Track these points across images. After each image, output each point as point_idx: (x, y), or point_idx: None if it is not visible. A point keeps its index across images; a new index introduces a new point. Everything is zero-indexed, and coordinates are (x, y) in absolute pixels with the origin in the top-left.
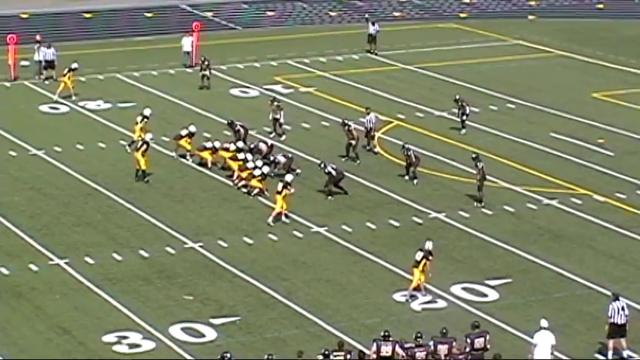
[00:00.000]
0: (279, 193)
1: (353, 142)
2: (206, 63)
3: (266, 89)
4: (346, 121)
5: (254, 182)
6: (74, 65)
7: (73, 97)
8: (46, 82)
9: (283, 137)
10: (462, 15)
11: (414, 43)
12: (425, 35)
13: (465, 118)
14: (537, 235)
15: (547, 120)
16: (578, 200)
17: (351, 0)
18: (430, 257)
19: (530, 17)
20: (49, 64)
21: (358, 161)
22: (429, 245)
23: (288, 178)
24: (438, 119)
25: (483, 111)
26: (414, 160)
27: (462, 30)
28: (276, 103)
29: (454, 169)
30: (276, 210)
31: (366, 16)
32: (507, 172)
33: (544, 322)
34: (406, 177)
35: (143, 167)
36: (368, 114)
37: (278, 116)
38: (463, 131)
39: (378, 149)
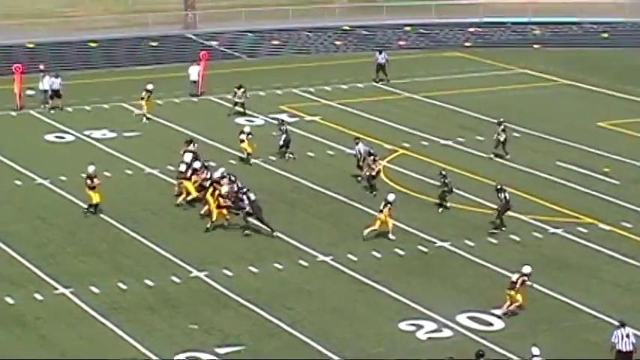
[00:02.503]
0: (382, 211)
1: (373, 173)
2: (242, 90)
3: (272, 118)
4: (372, 151)
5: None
6: (149, 86)
7: (144, 120)
8: (52, 112)
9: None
10: (466, 44)
11: (418, 72)
12: (430, 64)
13: (500, 145)
14: (543, 264)
15: (552, 149)
16: (584, 229)
17: (356, 29)
18: (526, 279)
19: (536, 46)
20: (56, 94)
21: (374, 193)
22: (526, 270)
23: (391, 197)
24: (444, 148)
25: (489, 140)
26: (447, 188)
27: (467, 59)
28: (282, 127)
29: (460, 197)
30: (388, 226)
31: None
32: (513, 200)
33: (535, 350)
34: (440, 209)
35: (95, 201)
36: (357, 144)
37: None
38: (491, 155)
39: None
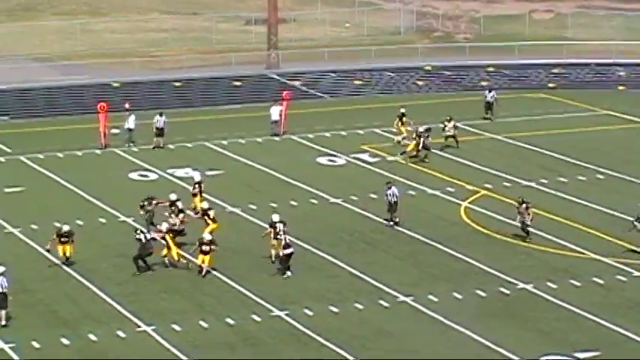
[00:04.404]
0: None
1: (526, 221)
2: (452, 123)
3: (353, 158)
4: (524, 199)
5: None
6: (402, 110)
7: (399, 139)
8: (158, 149)
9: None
10: (550, 85)
11: (501, 113)
12: (513, 105)
13: None
14: (626, 308)
15: (636, 191)
16: None
17: (439, 70)
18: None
19: (620, 87)
20: (160, 132)
21: (529, 238)
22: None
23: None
24: (526, 189)
25: (572, 181)
26: None
27: (550, 100)
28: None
29: (542, 239)
30: None
31: (484, 83)
32: (596, 243)
33: None
34: None
35: (65, 254)
36: (389, 188)
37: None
38: None
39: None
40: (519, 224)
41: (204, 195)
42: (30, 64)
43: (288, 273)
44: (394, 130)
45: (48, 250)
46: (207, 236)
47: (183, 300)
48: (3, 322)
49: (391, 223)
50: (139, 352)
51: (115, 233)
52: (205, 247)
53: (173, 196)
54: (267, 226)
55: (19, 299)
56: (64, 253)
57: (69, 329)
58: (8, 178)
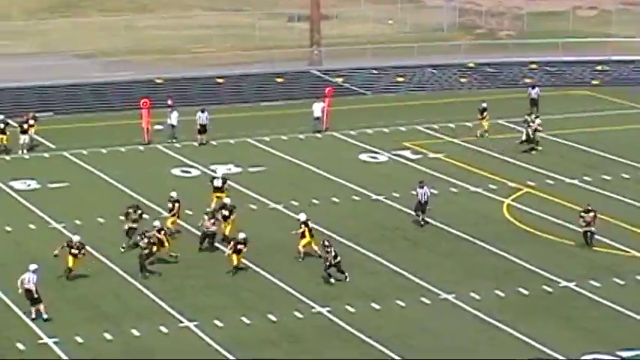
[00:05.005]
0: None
1: (593, 229)
2: (533, 116)
3: (395, 155)
4: (591, 207)
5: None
6: (484, 105)
7: (481, 135)
8: (201, 145)
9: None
10: (594, 82)
11: (544, 110)
12: (556, 102)
13: None
14: None
15: None
16: None
17: (481, 66)
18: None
19: None
20: (202, 129)
21: (594, 248)
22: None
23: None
24: (569, 186)
25: (615, 179)
26: None
27: (593, 97)
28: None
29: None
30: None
31: (527, 80)
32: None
33: None
34: None
35: (70, 265)
36: (422, 187)
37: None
38: None
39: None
40: (581, 231)
41: (218, 195)
42: (74, 60)
43: (347, 277)
44: (478, 124)
45: (56, 256)
46: (241, 235)
47: (225, 296)
48: (45, 316)
49: (422, 221)
50: (181, 348)
51: None
52: (240, 247)
53: (174, 194)
54: (302, 225)
55: (62, 294)
56: (69, 264)
57: (112, 324)
58: (52, 173)
